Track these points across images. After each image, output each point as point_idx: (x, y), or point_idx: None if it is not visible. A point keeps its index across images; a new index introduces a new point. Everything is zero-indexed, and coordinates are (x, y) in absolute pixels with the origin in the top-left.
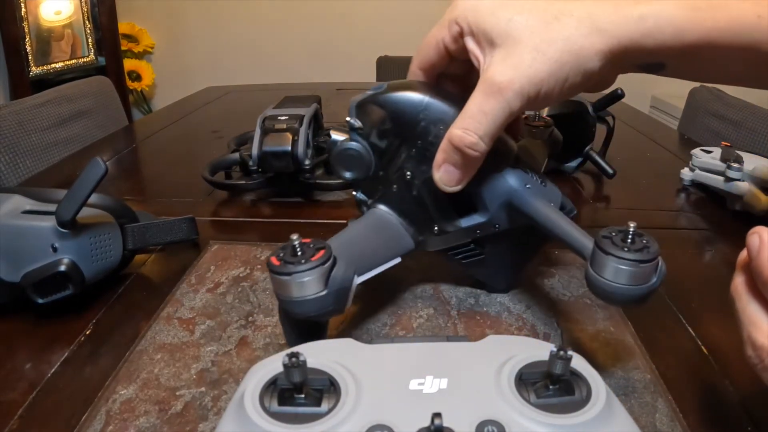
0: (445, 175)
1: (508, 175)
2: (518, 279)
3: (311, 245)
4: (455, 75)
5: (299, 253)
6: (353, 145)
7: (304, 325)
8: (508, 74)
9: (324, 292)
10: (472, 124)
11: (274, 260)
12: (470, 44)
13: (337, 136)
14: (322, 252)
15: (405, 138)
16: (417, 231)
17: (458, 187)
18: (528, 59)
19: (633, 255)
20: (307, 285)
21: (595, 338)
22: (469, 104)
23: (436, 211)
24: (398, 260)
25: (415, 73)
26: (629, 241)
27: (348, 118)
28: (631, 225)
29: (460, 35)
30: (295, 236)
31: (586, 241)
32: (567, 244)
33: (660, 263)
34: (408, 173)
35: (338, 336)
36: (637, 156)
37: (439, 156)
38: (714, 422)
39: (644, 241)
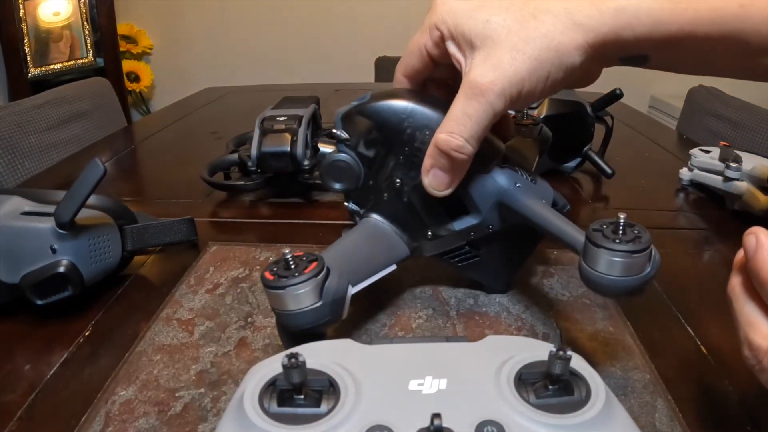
0: (434, 180)
1: (497, 175)
2: (515, 278)
3: (304, 258)
4: (440, 80)
5: (292, 267)
6: (341, 156)
7: (302, 337)
8: (489, 76)
9: (319, 304)
10: (457, 128)
11: (268, 275)
12: (451, 48)
13: (324, 148)
14: (314, 264)
15: (392, 146)
16: (411, 237)
17: (448, 191)
18: (507, 59)
19: (625, 246)
20: (302, 297)
21: (594, 338)
22: (452, 108)
23: (429, 216)
24: (393, 267)
25: (399, 80)
26: (620, 232)
27: (334, 130)
28: (621, 216)
29: (441, 40)
30: (287, 250)
31: (578, 236)
32: (560, 240)
33: (653, 252)
34: (398, 180)
35: (337, 336)
36: (635, 156)
37: (427, 161)
38: (713, 422)
39: (635, 232)
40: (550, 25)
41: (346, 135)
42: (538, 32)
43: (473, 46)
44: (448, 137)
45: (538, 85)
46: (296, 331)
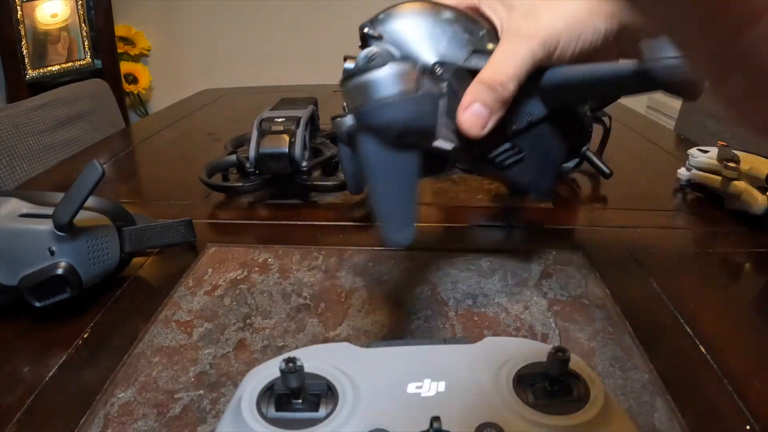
0: (471, 116)
1: None
2: (555, 183)
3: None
4: None
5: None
6: (376, 50)
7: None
8: (532, 27)
9: (419, 93)
10: (500, 68)
11: (350, 62)
12: (487, 10)
13: (349, 64)
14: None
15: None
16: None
17: (483, 132)
18: (547, 15)
19: None
20: (401, 78)
21: (593, 338)
22: (496, 53)
23: None
24: (451, 146)
25: None
26: None
27: (365, 29)
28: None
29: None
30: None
31: (626, 63)
32: (611, 77)
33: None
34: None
35: (335, 340)
36: (633, 156)
37: (467, 97)
38: (712, 421)
39: None
40: None
41: (378, 32)
42: None
43: (512, 7)
44: (493, 74)
45: (571, 43)
46: (387, 136)
